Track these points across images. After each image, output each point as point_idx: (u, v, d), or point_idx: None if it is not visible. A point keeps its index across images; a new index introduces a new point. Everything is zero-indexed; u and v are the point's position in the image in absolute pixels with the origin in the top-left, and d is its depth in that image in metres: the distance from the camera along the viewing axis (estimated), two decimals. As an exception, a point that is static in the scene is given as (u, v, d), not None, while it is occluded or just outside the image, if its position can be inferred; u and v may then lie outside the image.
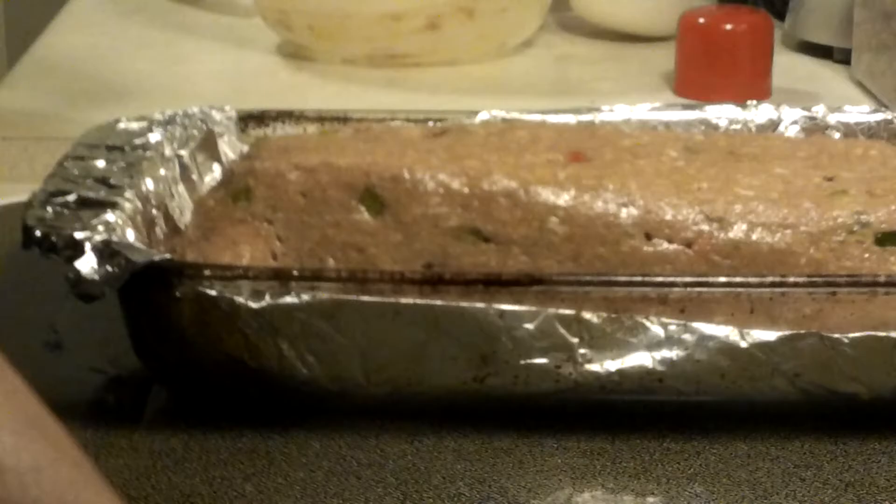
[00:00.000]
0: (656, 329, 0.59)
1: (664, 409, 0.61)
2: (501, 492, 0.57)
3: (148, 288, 0.60)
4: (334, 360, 0.59)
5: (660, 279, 0.60)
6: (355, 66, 1.03)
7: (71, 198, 0.63)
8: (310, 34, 1.04)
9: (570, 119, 0.77)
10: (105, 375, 0.64)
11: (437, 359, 0.59)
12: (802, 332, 0.59)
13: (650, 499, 0.57)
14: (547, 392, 0.60)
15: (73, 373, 0.65)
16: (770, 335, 0.59)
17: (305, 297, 0.59)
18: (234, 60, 1.06)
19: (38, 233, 0.60)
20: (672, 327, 0.59)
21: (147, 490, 0.56)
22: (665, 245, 0.63)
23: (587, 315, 0.59)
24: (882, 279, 0.60)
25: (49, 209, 0.62)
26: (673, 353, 0.59)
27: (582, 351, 0.59)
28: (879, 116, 0.77)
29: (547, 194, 0.64)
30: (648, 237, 0.63)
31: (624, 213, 0.63)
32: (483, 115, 0.77)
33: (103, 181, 0.65)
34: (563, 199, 0.64)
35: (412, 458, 0.59)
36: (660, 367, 0.59)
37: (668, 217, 0.63)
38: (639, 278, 0.60)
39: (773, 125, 0.77)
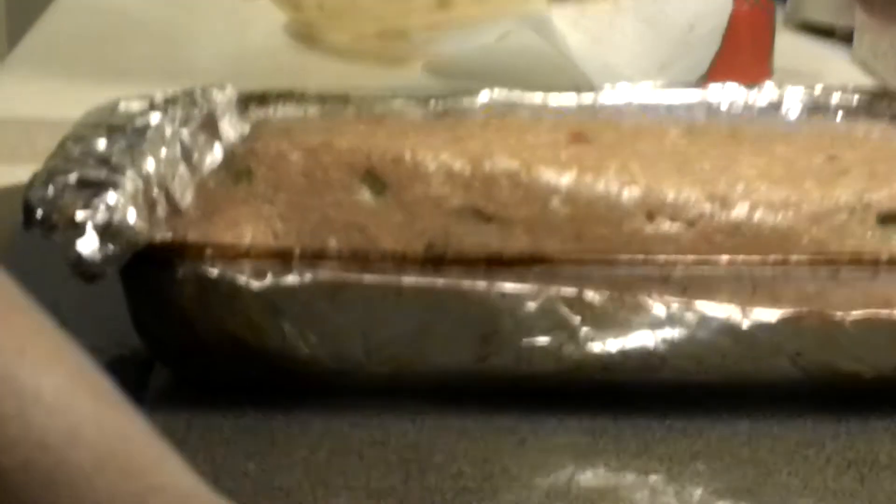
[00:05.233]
0: (658, 309, 0.59)
1: (666, 388, 0.61)
2: (504, 470, 0.57)
3: (149, 268, 0.60)
4: (336, 339, 0.59)
5: (662, 259, 0.60)
6: (364, 46, 1.03)
7: (72, 178, 0.63)
8: (319, 13, 1.04)
9: (572, 100, 0.77)
10: (107, 355, 0.64)
11: (439, 338, 0.59)
12: (804, 311, 0.59)
13: (652, 477, 0.57)
14: (549, 371, 0.60)
15: (75, 353, 0.64)
16: (772, 315, 0.59)
17: (307, 276, 0.59)
18: (237, 41, 1.06)
19: (38, 213, 0.60)
20: (674, 307, 0.59)
21: (149, 469, 0.56)
22: (667, 225, 0.63)
23: (589, 295, 0.59)
24: (885, 258, 0.60)
25: (50, 190, 0.62)
26: (675, 333, 0.59)
27: (584, 330, 0.59)
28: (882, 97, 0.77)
29: (548, 175, 0.63)
30: (650, 217, 0.63)
31: (626, 193, 0.63)
32: (484, 96, 0.77)
33: (104, 161, 0.65)
34: (565, 179, 0.63)
35: (414, 437, 0.59)
36: (662, 347, 0.59)
37: (671, 198, 0.63)
38: (641, 258, 0.60)
39: (775, 106, 0.77)
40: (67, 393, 0.35)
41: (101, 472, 0.34)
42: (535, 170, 0.64)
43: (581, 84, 0.81)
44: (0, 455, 0.33)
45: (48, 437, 0.34)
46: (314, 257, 0.60)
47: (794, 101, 0.77)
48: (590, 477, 0.57)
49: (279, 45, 1.05)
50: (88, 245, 0.58)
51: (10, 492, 0.33)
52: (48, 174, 0.63)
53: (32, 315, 0.35)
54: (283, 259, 0.59)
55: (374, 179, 0.64)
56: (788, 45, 1.06)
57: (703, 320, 0.59)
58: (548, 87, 0.77)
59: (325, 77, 0.98)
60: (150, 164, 0.67)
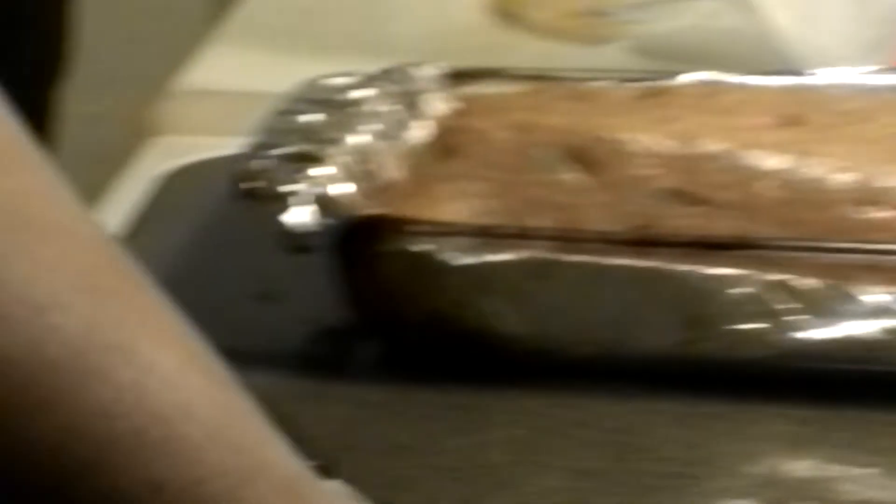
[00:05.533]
0: (870, 298, 0.58)
1: (880, 379, 0.59)
2: (711, 457, 0.56)
3: (356, 242, 0.60)
4: (541, 319, 0.59)
5: (875, 246, 0.59)
6: (566, 23, 1.03)
7: (281, 151, 0.64)
8: (524, -11, 1.04)
9: (782, 81, 0.75)
10: (314, 327, 0.65)
11: (645, 321, 0.59)
12: None
13: (863, 470, 0.56)
14: (756, 358, 0.59)
15: (283, 324, 0.65)
16: None
17: (512, 255, 0.59)
18: (439, 17, 1.06)
19: (249, 185, 0.61)
20: (887, 297, 0.58)
21: (355, 440, 0.57)
22: (880, 212, 0.61)
23: (798, 281, 0.58)
24: None
25: (260, 162, 0.63)
26: (887, 323, 0.58)
27: (792, 318, 0.58)
28: None
29: (757, 158, 0.63)
30: (862, 204, 0.61)
31: (837, 178, 0.62)
32: (691, 77, 0.75)
33: (312, 136, 0.66)
34: (774, 163, 0.62)
35: (622, 419, 0.58)
36: (873, 338, 0.58)
37: (884, 184, 0.62)
38: (853, 245, 0.59)
39: None
40: (183, 369, 0.36)
41: (211, 446, 0.35)
42: (744, 152, 0.63)
43: (790, 65, 0.80)
44: (116, 420, 0.34)
45: (162, 409, 0.35)
46: (521, 236, 0.60)
47: None
48: (799, 467, 0.56)
49: (481, 22, 1.05)
50: (298, 217, 0.59)
51: (122, 457, 0.34)
52: (258, 147, 0.64)
53: (155, 296, 0.36)
54: (489, 236, 0.60)
55: (581, 159, 0.64)
56: None
57: (919, 311, 0.58)
58: (755, 68, 0.76)
59: (527, 55, 0.98)
60: (356, 139, 0.67)
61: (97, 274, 0.35)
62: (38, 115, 0.63)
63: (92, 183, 0.79)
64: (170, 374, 0.35)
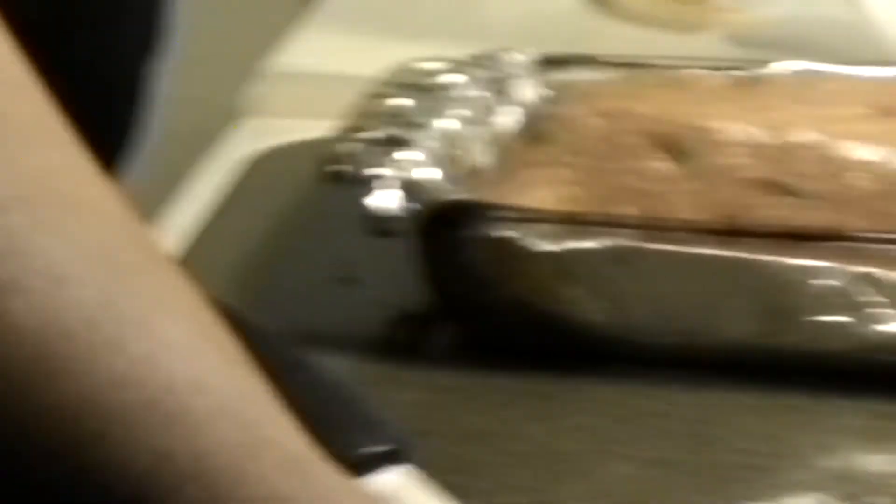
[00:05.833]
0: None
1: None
2: (790, 448, 0.56)
3: (440, 227, 0.60)
4: (625, 307, 0.59)
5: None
6: (661, 11, 1.02)
7: (371, 135, 0.64)
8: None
9: (881, 73, 0.74)
10: (393, 311, 0.65)
11: (730, 311, 0.58)
12: None
13: (947, 467, 0.55)
14: (840, 351, 0.58)
15: (365, 307, 0.65)
16: None
17: (597, 242, 0.59)
18: (531, 3, 1.06)
19: (338, 168, 0.61)
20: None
21: (434, 425, 0.57)
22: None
23: (884, 274, 0.57)
24: None
25: (351, 145, 0.63)
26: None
27: (875, 311, 0.58)
28: None
29: (854, 149, 0.62)
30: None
31: (937, 170, 0.61)
32: (786, 66, 0.75)
33: (403, 119, 0.66)
34: (866, 154, 0.62)
35: (701, 409, 0.58)
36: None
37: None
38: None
39: None
40: (196, 344, 0.36)
41: (218, 420, 0.35)
42: (836, 143, 0.62)
43: (887, 56, 0.79)
44: (128, 391, 0.35)
45: (173, 382, 0.35)
46: (608, 223, 0.59)
47: None
48: (877, 461, 0.55)
49: (573, 9, 1.04)
50: (383, 201, 0.59)
51: (132, 427, 0.35)
52: (350, 130, 0.64)
53: (174, 273, 0.37)
54: (574, 224, 0.59)
55: (673, 147, 0.63)
56: None
57: None
58: (855, 59, 0.75)
59: (621, 42, 0.97)
60: (447, 124, 0.67)
61: (118, 250, 0.36)
62: (135, 89, 0.63)
63: (181, 163, 0.80)
64: (183, 349, 0.36)
